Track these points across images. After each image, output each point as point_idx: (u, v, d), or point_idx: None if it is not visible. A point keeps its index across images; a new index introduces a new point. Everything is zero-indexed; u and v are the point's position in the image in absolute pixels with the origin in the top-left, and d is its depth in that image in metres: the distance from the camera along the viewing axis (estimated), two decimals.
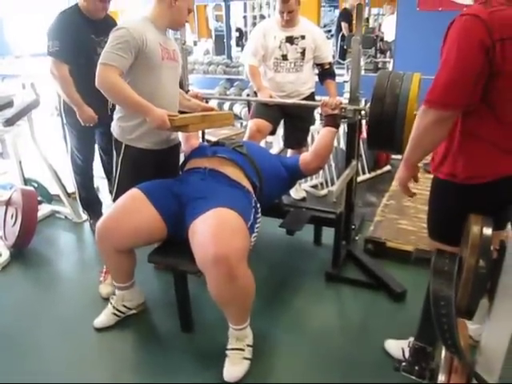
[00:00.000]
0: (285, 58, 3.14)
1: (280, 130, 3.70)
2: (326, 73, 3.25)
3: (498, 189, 1.42)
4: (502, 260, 1.26)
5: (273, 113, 3.12)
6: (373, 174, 4.19)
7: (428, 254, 1.35)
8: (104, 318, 2.21)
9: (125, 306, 2.22)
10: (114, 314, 2.21)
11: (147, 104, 1.98)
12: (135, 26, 2.01)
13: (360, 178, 4.02)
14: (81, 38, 2.66)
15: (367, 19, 8.82)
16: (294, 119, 3.29)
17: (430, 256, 1.33)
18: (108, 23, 2.73)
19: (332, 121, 2.46)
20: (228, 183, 2.07)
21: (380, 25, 8.48)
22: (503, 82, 1.33)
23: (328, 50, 3.25)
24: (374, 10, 8.85)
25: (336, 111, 2.43)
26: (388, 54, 7.22)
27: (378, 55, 7.31)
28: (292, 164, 2.48)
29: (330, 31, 9.36)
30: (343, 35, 7.51)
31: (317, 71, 3.32)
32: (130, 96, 1.96)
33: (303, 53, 3.13)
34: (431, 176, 1.57)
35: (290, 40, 3.11)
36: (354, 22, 7.93)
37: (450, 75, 1.32)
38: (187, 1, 2.14)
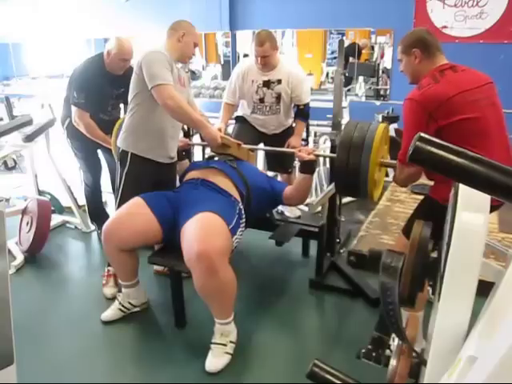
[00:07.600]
0: (262, 101, 3.22)
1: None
2: (298, 113, 3.28)
3: None
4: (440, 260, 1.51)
5: (250, 137, 3.19)
6: None
7: (380, 254, 1.61)
8: (110, 312, 2.46)
9: (130, 303, 2.47)
10: (120, 309, 2.46)
11: (203, 121, 2.42)
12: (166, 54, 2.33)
13: (351, 198, 4.29)
14: (102, 91, 2.96)
15: (372, 47, 9.09)
16: (271, 140, 3.30)
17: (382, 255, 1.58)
18: (126, 76, 2.83)
19: (308, 167, 2.54)
20: (217, 191, 2.34)
21: (383, 53, 8.64)
22: (446, 132, 1.83)
23: (304, 93, 3.19)
24: (381, 39, 8.92)
25: (311, 157, 2.50)
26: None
27: (381, 82, 7.53)
28: (278, 189, 2.64)
29: (335, 58, 9.58)
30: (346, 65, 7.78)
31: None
32: (193, 115, 2.33)
33: (278, 97, 3.17)
34: (417, 197, 1.98)
35: (267, 84, 3.15)
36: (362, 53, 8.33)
37: (410, 140, 1.71)
38: (193, 36, 2.45)
